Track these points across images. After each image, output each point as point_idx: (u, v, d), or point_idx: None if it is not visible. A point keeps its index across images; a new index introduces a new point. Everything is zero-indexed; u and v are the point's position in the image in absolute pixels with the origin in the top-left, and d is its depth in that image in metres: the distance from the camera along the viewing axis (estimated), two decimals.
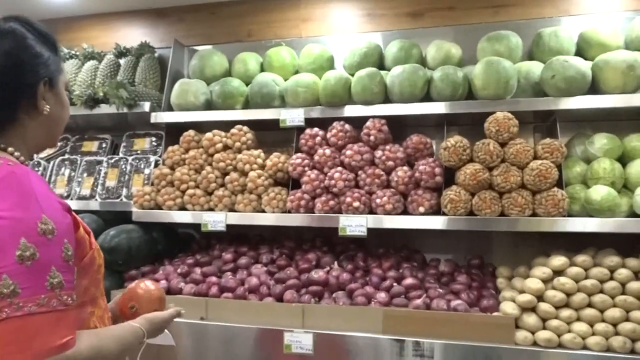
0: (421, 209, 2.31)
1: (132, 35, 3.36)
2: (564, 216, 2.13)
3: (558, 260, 2.08)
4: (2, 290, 0.91)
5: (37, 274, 0.94)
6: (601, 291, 2.00)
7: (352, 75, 2.61)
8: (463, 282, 2.28)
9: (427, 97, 2.49)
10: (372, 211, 2.39)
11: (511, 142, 2.23)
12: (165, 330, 1.37)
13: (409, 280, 2.25)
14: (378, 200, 2.35)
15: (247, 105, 2.81)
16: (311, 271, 2.36)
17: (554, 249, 2.24)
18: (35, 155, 3.20)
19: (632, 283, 1.96)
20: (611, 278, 2.01)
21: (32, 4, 3.26)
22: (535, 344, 1.96)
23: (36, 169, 3.14)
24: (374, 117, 2.49)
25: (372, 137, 2.46)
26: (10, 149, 1.10)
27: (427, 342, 2.00)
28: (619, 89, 2.22)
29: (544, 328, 1.99)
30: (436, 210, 2.33)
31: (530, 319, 1.99)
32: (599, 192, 2.08)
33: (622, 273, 1.99)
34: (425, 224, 2.28)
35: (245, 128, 2.70)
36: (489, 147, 2.22)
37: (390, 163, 2.41)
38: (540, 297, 2.04)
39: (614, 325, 1.93)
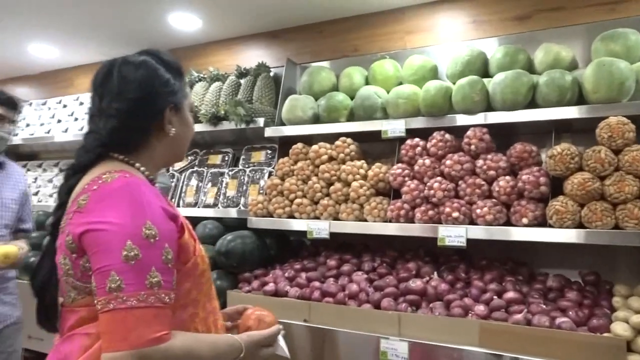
0: (524, 220, 2.21)
1: (251, 56, 3.66)
2: None
3: None
4: (110, 285, 1.04)
5: (139, 273, 1.06)
6: None
7: (455, 84, 2.59)
8: (572, 299, 2.14)
9: (533, 104, 2.39)
10: (472, 222, 2.35)
11: (627, 148, 2.06)
12: (281, 343, 1.43)
13: (510, 294, 2.17)
14: (478, 211, 2.31)
15: (352, 117, 2.92)
16: (410, 280, 2.38)
17: None
18: (170, 168, 3.63)
19: None
20: None
21: (167, 36, 3.72)
22: None
23: (171, 180, 3.56)
24: (475, 126, 2.45)
25: (472, 147, 2.42)
26: (137, 164, 1.27)
27: (526, 359, 1.92)
28: None
29: None
30: (541, 222, 2.22)
31: None
32: None
33: None
34: (528, 236, 2.19)
35: (348, 140, 2.81)
36: (599, 155, 2.07)
37: (492, 172, 2.35)
38: None
39: None
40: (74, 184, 1.24)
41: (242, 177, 3.28)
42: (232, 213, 3.15)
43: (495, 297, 2.19)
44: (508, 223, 2.31)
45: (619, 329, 1.88)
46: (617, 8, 2.52)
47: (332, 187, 2.76)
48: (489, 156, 2.39)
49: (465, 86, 2.48)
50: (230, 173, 3.36)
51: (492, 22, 2.90)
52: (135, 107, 1.24)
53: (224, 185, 3.32)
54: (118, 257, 1.05)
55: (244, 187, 3.24)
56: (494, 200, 2.32)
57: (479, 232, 2.29)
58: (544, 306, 2.09)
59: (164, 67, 1.30)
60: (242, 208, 3.15)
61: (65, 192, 1.25)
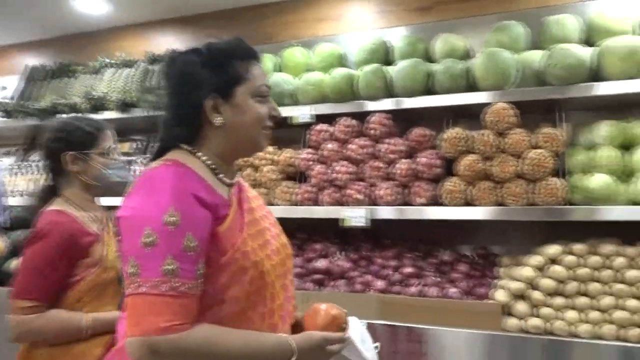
0: (420, 200, 2.36)
1: (162, 43, 3.57)
2: (562, 205, 2.11)
3: (552, 249, 2.07)
4: (130, 270, 1.04)
5: (155, 259, 1.04)
6: (598, 280, 1.98)
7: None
8: (462, 271, 2.31)
9: (432, 91, 2.53)
10: (374, 202, 2.47)
11: (510, 132, 2.24)
12: (359, 345, 1.29)
13: (407, 269, 2.31)
14: (378, 192, 2.42)
15: None
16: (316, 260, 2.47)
17: (560, 239, 2.22)
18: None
19: (626, 271, 1.93)
20: (609, 267, 1.99)
21: (71, 20, 3.56)
22: (525, 331, 1.97)
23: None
24: (378, 111, 2.56)
25: (376, 131, 2.53)
26: (199, 153, 1.22)
27: (419, 327, 2.07)
28: (623, 75, 2.16)
29: (537, 316, 1.99)
30: (437, 201, 2.37)
31: (521, 307, 2.01)
32: (596, 181, 2.06)
33: (618, 261, 1.96)
34: (423, 214, 2.33)
35: None
36: (485, 138, 2.24)
37: (393, 156, 2.48)
38: (534, 286, 2.05)
39: (608, 313, 1.91)
40: None
41: None
42: None
43: (394, 272, 2.32)
44: (408, 203, 2.45)
45: (500, 295, 2.06)
46: (517, 0, 2.71)
47: (243, 173, 2.79)
48: (391, 140, 2.51)
49: (369, 73, 2.58)
50: (144, 161, 3.30)
51: (397, 12, 3.02)
52: (171, 101, 1.23)
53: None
54: (137, 243, 1.06)
55: None
56: (393, 181, 2.44)
57: (380, 212, 2.41)
58: (435, 278, 2.24)
59: (200, 58, 1.22)
60: None
61: None
